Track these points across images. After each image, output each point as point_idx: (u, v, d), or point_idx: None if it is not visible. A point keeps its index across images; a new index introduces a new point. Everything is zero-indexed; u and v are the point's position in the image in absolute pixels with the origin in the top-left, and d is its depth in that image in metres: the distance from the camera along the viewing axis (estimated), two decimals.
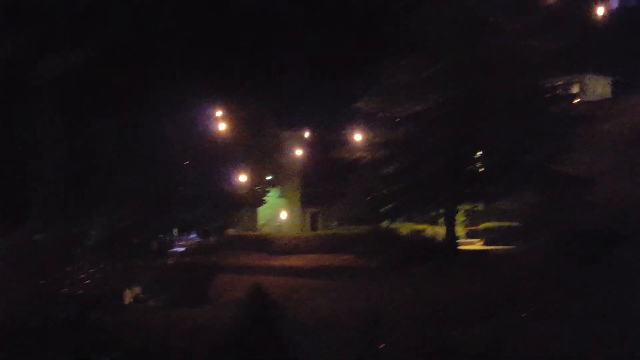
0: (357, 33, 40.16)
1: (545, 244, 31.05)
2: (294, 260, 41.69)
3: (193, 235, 49.75)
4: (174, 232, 47.69)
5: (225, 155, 45.44)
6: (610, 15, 44.09)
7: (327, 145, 45.97)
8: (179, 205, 41.03)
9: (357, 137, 42.95)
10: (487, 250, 38.30)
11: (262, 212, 54.41)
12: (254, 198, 50.68)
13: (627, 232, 28.49)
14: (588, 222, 31.96)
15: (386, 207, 37.71)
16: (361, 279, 30.97)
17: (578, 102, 45.51)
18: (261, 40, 46.90)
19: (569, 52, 34.79)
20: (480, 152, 36.65)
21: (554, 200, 34.62)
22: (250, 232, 50.85)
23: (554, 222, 33.54)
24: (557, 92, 35.96)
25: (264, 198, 52.71)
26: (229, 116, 47.60)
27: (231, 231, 50.42)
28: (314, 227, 54.21)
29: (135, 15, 35.66)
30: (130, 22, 35.28)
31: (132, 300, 37.34)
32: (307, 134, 53.72)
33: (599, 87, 52.80)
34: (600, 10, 39.17)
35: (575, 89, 45.23)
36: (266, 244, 46.17)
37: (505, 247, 37.97)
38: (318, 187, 52.43)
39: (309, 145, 53.28)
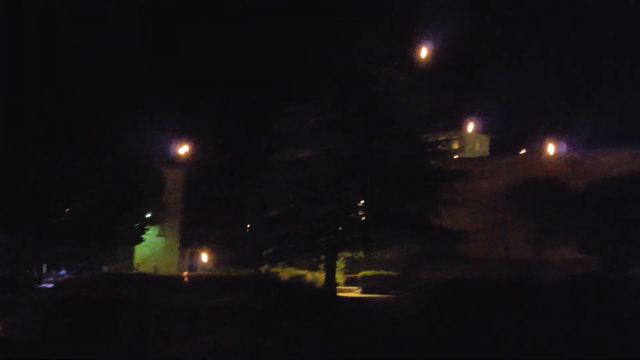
0: (253, 79, 40.24)
1: (419, 294, 31.64)
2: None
3: (63, 272, 47.58)
4: (42, 268, 45.52)
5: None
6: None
7: (210, 186, 45.41)
8: (46, 240, 39.22)
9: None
10: (364, 298, 38.60)
11: (140, 250, 52.73)
12: (130, 235, 49.03)
13: (497, 285, 29.50)
14: (461, 274, 32.92)
15: (267, 251, 37.48)
16: (233, 324, 29.92)
17: (458, 157, 47.37)
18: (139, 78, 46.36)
19: (452, 110, 36.16)
20: (363, 202, 37.18)
21: (430, 252, 35.49)
22: (125, 271, 49.11)
23: (430, 272, 34.33)
24: (439, 147, 37.08)
25: (142, 236, 51.08)
26: None
27: (105, 269, 48.54)
28: (192, 268, 53.08)
29: None
30: None
31: None
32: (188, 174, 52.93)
33: (477, 144, 55.12)
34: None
35: (456, 145, 46.96)
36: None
37: (382, 295, 38.41)
38: (199, 227, 51.51)
39: (191, 184, 52.43)
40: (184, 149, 51.96)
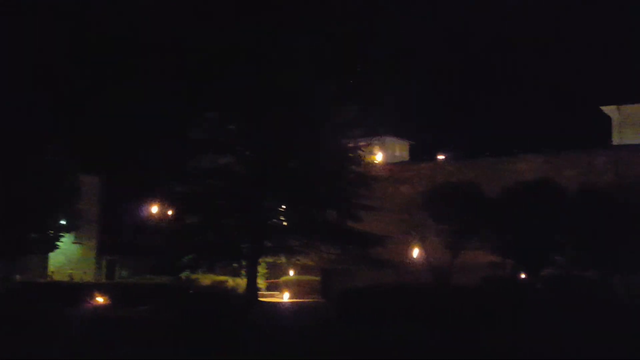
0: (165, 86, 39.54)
1: (335, 299, 31.91)
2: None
3: None
4: None
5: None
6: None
7: (128, 193, 44.49)
8: None
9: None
10: (284, 302, 38.67)
11: (54, 257, 51.27)
12: (44, 243, 47.57)
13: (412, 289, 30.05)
14: (380, 278, 33.35)
15: (187, 258, 37.03)
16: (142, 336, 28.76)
17: (378, 163, 47.91)
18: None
19: (371, 116, 36.51)
20: (283, 207, 37.18)
21: (350, 256, 35.78)
22: (39, 279, 47.65)
23: (349, 277, 34.62)
24: (359, 152, 37.38)
25: (56, 243, 49.68)
26: None
27: (18, 277, 46.98)
28: (110, 276, 51.89)
29: None
30: None
31: None
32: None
33: (397, 149, 55.85)
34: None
35: (376, 150, 47.43)
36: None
37: (304, 300, 38.54)
38: (116, 234, 50.43)
39: (110, 192, 51.32)
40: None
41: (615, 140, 51.70)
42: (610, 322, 24.59)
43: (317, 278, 42.46)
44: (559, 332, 23.58)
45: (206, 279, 41.81)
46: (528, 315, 26.62)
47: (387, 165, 49.40)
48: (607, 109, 52.78)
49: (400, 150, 56.33)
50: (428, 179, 42.51)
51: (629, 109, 51.92)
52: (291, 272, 43.94)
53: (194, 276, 41.07)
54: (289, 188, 34.65)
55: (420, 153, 55.25)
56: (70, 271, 49.95)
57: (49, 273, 50.28)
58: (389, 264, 35.04)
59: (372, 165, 42.54)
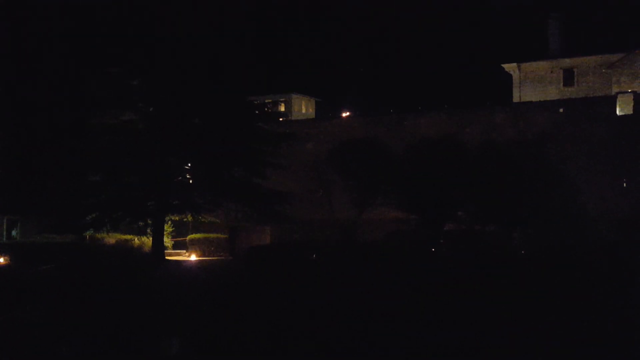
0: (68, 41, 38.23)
1: (240, 257, 32.07)
2: None
3: None
4: None
5: None
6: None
7: (31, 149, 42.95)
8: None
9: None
10: (189, 261, 38.51)
11: None
12: None
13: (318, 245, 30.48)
14: (289, 236, 33.62)
15: (90, 216, 36.27)
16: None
17: (284, 120, 47.87)
18: None
19: (279, 71, 36.41)
20: (189, 165, 36.83)
21: (257, 214, 35.87)
22: None
23: (255, 234, 34.77)
24: (266, 109, 37.28)
25: None
26: None
27: None
28: (10, 236, 50.29)
29: None
30: None
31: None
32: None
33: (304, 107, 55.95)
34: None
35: (282, 108, 47.39)
36: None
37: (211, 258, 38.47)
38: (17, 192, 48.72)
39: (11, 146, 49.39)
40: None
41: (516, 97, 53.39)
42: (508, 273, 25.61)
43: (225, 236, 42.39)
44: (461, 281, 24.37)
45: (111, 238, 41.08)
46: (429, 266, 27.45)
47: (294, 122, 49.38)
48: (508, 67, 54.37)
49: (307, 107, 56.42)
50: (334, 136, 42.71)
51: (529, 66, 53.66)
52: (197, 231, 43.67)
53: (98, 235, 40.28)
54: (193, 145, 34.31)
55: (327, 110, 55.53)
56: None
57: None
58: (295, 221, 35.34)
59: (278, 122, 42.50)
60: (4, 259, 37.71)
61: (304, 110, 55.28)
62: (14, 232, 49.97)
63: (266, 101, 38.24)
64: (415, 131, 43.19)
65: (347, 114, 52.06)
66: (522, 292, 22.28)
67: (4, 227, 51.79)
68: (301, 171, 40.71)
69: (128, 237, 41.40)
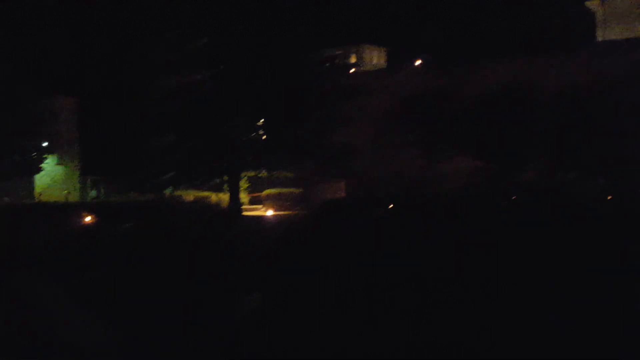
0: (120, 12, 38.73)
1: (317, 210, 32.09)
2: None
3: None
4: None
5: None
6: None
7: (107, 113, 44.14)
8: None
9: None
10: (267, 215, 38.98)
11: (40, 179, 51.50)
12: (28, 165, 47.74)
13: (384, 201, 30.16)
14: (360, 190, 33.48)
15: (168, 175, 37.10)
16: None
17: (355, 72, 47.23)
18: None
19: (345, 21, 35.90)
20: (262, 121, 37.05)
21: (326, 170, 35.95)
22: (27, 201, 47.90)
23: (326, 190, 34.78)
24: (335, 62, 36.92)
25: (40, 165, 49.86)
26: None
27: (6, 200, 47.24)
28: (96, 195, 52.21)
29: None
30: None
31: None
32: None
33: (374, 57, 54.97)
34: None
35: (353, 59, 46.78)
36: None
37: (287, 212, 38.83)
38: (99, 154, 50.33)
39: (88, 112, 50.98)
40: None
41: (600, 37, 50.72)
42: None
43: (300, 190, 42.69)
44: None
45: (189, 195, 42.06)
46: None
47: (364, 73, 48.64)
48: (591, 4, 51.57)
49: (378, 57, 55.51)
50: (405, 86, 41.91)
51: (614, 2, 50.60)
52: (273, 186, 44.12)
53: (177, 193, 41.28)
54: (262, 103, 34.45)
55: (398, 60, 54.50)
56: (65, 192, 50.27)
57: (36, 194, 50.63)
58: (368, 175, 35.21)
59: (348, 75, 42.08)
60: (91, 218, 39.09)
61: (375, 61, 54.50)
62: (94, 192, 51.71)
63: (337, 52, 37.73)
64: (490, 77, 41.96)
65: (419, 62, 50.99)
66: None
67: (88, 187, 53.70)
68: (369, 125, 40.28)
69: (205, 194, 42.29)
